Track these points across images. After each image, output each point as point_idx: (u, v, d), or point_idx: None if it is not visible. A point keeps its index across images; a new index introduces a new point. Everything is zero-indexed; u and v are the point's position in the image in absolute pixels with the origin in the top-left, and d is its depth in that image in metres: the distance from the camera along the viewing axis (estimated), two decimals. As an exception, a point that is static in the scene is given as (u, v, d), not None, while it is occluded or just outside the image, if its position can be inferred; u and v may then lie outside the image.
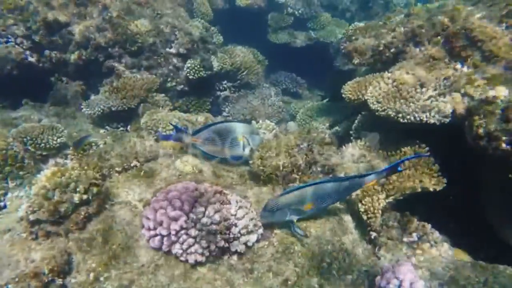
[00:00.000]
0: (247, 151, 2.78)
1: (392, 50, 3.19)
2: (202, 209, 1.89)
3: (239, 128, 2.73)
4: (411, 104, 2.51)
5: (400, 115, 2.51)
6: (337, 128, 4.40)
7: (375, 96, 2.69)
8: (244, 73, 5.02)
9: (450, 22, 3.01)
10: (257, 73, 5.10)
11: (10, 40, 3.46)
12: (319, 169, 2.68)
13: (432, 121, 2.43)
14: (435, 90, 2.54)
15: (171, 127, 2.69)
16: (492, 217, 2.47)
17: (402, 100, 2.56)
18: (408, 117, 2.47)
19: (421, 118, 2.44)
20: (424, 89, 2.57)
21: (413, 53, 3.07)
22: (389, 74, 2.81)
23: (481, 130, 2.18)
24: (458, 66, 2.67)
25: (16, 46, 3.45)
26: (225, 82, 4.96)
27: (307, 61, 6.12)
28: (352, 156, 2.76)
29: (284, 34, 6.17)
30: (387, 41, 3.24)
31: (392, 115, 2.53)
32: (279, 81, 6.13)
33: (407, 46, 3.14)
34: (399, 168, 2.20)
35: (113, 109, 3.58)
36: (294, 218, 2.15)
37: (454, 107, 2.44)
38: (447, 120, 2.42)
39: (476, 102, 2.32)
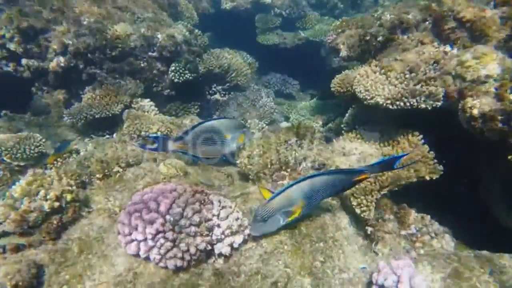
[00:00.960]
0: (235, 147, 2.65)
1: (379, 39, 3.08)
2: (180, 210, 1.75)
3: (224, 125, 2.58)
4: (400, 90, 2.39)
5: (389, 101, 2.38)
6: (330, 125, 4.30)
7: (363, 84, 2.57)
8: (233, 75, 4.92)
9: (437, 6, 2.91)
10: (246, 75, 4.99)
11: (-18, 49, 3.34)
12: (309, 164, 2.56)
13: (423, 106, 2.30)
14: (425, 74, 2.42)
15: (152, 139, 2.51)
16: (494, 204, 2.34)
17: (391, 87, 2.44)
18: (397, 103, 2.35)
19: (412, 103, 2.31)
20: (413, 74, 2.45)
21: (401, 40, 2.96)
22: (377, 62, 2.70)
23: (475, 111, 2.05)
24: (448, 48, 2.57)
25: (-10, 55, 3.34)
26: (215, 85, 4.85)
27: (298, 61, 6.02)
28: (343, 149, 2.63)
29: (273, 35, 6.07)
30: (373, 30, 3.13)
31: (381, 102, 2.40)
32: (271, 83, 6.02)
33: (395, 34, 3.03)
34: (395, 165, 2.02)
35: (96, 116, 3.46)
36: (289, 221, 1.98)
37: (446, 90, 2.32)
38: (439, 104, 2.30)
39: (468, 83, 2.21)
